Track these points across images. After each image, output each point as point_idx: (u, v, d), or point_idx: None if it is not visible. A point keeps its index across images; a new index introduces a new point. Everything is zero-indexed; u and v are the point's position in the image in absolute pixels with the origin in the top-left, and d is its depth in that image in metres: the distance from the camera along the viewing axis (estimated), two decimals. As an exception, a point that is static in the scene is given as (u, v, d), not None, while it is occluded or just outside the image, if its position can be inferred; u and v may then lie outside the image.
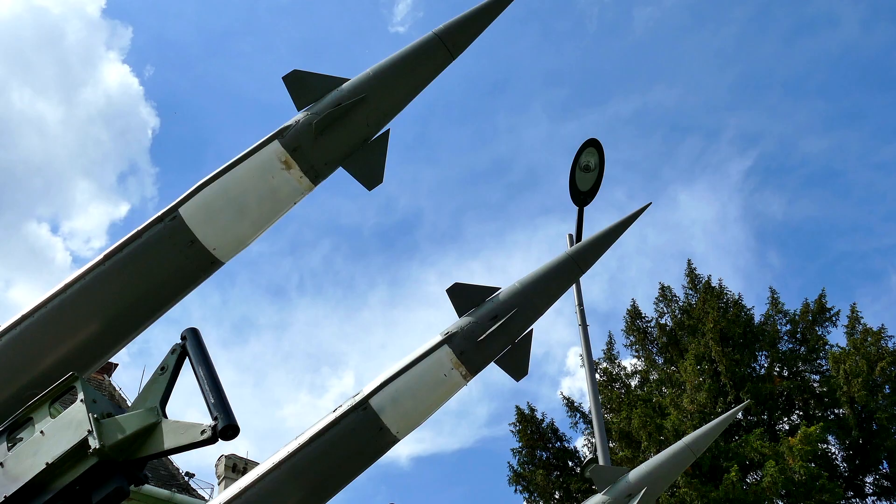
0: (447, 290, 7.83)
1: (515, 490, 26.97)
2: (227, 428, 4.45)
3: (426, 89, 6.58)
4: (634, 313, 28.95)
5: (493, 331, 7.51)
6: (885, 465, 24.67)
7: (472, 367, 7.56)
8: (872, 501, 25.03)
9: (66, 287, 6.18)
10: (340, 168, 6.49)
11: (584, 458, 25.27)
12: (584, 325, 15.33)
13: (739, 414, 23.01)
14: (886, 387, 24.37)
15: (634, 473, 10.25)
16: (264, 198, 6.29)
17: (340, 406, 7.56)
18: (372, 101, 6.30)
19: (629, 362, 29.28)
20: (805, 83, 65.60)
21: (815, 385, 26.00)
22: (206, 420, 4.52)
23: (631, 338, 28.83)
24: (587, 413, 27.46)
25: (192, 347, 4.94)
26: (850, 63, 63.62)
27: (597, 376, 21.43)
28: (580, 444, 28.60)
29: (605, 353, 29.09)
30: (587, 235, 8.76)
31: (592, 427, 17.04)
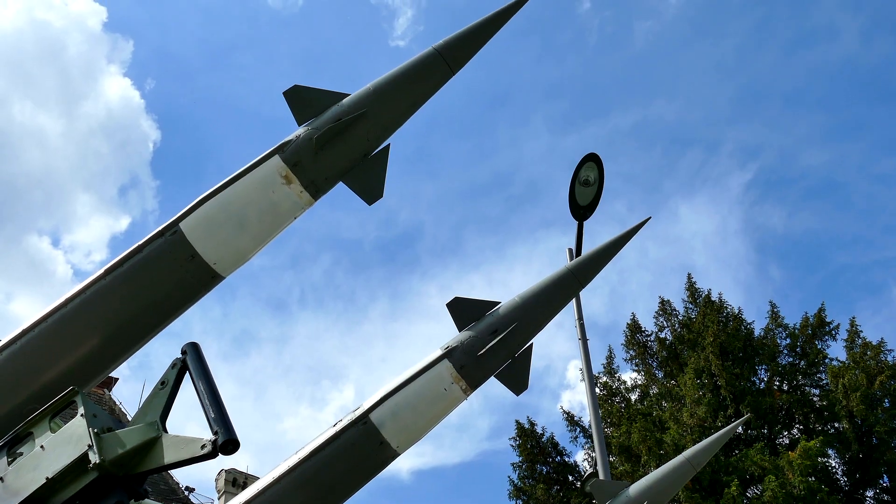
0: (447, 305, 7.83)
1: (516, 504, 26.95)
2: (227, 442, 4.46)
3: (426, 102, 6.61)
4: (634, 327, 28.98)
5: (493, 345, 7.50)
6: (886, 479, 24.61)
7: (473, 381, 7.56)
8: (873, 516, 24.98)
9: (66, 301, 6.19)
10: (341, 182, 6.51)
11: (585, 473, 25.21)
12: (584, 339, 15.32)
13: (739, 428, 23.01)
14: (886, 401, 24.35)
15: (635, 488, 10.25)
16: (265, 212, 6.30)
17: (341, 420, 7.56)
18: (372, 117, 6.31)
19: (629, 376, 29.33)
20: (805, 95, 65.89)
21: (815, 399, 25.99)
22: (207, 434, 4.53)
23: (631, 352, 28.87)
24: (587, 427, 27.43)
25: (192, 362, 4.96)
26: (850, 75, 63.93)
27: (597, 390, 21.39)
28: (580, 458, 28.57)
29: (605, 367, 29.17)
30: (587, 249, 8.77)
31: (592, 441, 17.00)
